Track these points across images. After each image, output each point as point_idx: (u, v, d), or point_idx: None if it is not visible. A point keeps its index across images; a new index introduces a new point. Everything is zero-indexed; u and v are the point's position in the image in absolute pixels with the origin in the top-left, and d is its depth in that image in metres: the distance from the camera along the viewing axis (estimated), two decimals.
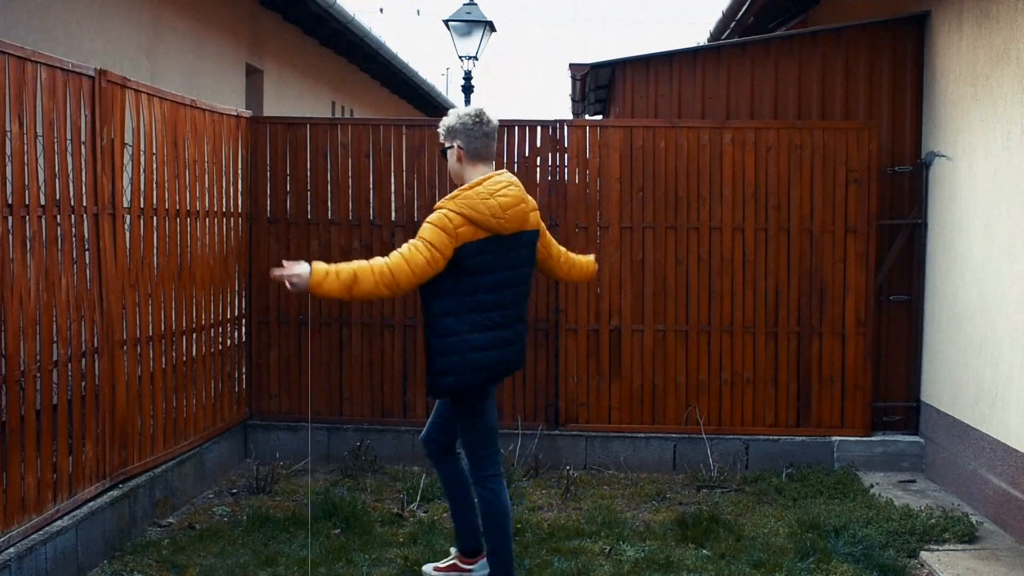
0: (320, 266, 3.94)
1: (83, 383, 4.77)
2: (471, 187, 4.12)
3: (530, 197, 4.35)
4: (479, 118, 4.23)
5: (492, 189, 4.11)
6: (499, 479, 4.37)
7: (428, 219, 4.08)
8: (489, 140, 4.26)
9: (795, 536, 5.23)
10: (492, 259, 4.11)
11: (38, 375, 4.36)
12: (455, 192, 4.14)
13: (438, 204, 4.14)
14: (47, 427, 4.42)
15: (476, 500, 4.44)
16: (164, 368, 5.58)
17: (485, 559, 4.47)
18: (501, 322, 4.18)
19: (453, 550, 4.71)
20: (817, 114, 6.86)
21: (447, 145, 4.30)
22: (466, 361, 4.11)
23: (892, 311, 6.83)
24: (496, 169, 4.31)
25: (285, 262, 4.03)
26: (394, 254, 4.01)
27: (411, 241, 4.05)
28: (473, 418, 4.31)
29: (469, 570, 4.59)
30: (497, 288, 4.15)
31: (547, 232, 4.50)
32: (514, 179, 4.25)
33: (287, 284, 3.96)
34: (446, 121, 4.30)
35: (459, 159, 4.25)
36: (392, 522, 5.48)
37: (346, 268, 3.96)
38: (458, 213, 4.04)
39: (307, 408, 6.85)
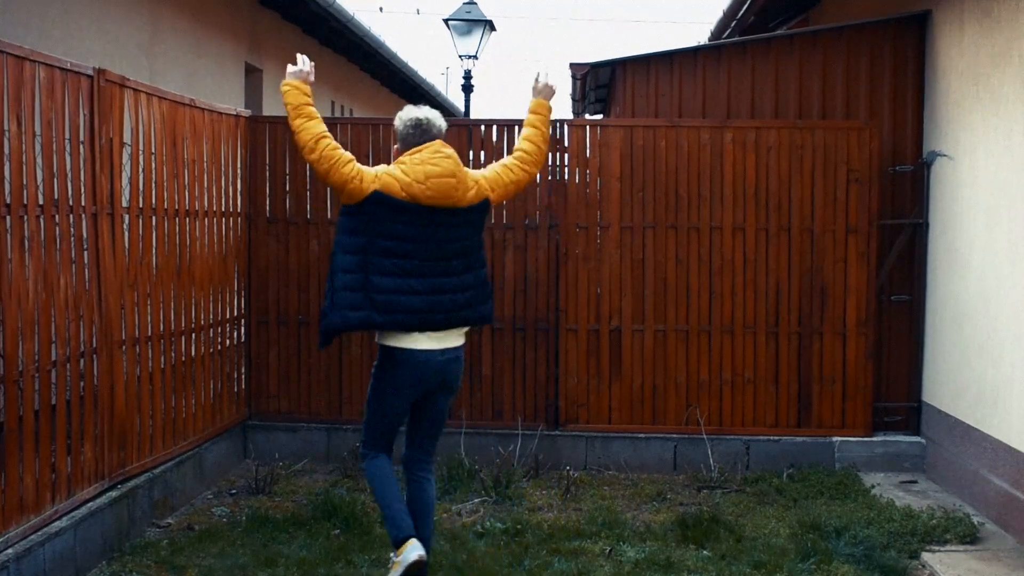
0: (306, 88, 4.52)
1: (82, 383, 4.75)
2: (413, 152, 4.27)
3: (474, 176, 4.38)
4: (417, 127, 4.32)
5: (426, 157, 4.24)
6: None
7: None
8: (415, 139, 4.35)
9: (796, 537, 5.21)
10: (407, 224, 4.19)
11: (37, 375, 4.35)
12: (403, 156, 4.31)
13: None
14: (46, 427, 4.41)
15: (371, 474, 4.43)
16: (163, 368, 5.57)
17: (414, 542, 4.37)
18: (411, 271, 4.21)
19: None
20: (818, 114, 6.84)
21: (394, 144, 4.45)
22: (370, 298, 4.16)
23: (893, 311, 6.82)
24: None
25: (306, 61, 4.66)
26: (341, 149, 4.29)
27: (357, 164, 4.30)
28: (383, 397, 4.32)
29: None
30: (412, 249, 4.21)
31: (499, 174, 4.50)
32: (454, 155, 4.31)
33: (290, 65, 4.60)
34: (395, 121, 4.41)
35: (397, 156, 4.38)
36: None
37: (314, 114, 4.42)
38: (389, 170, 4.26)
39: (306, 408, 6.84)
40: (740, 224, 6.65)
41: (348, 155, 4.27)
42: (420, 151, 4.25)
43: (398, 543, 4.22)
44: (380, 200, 4.17)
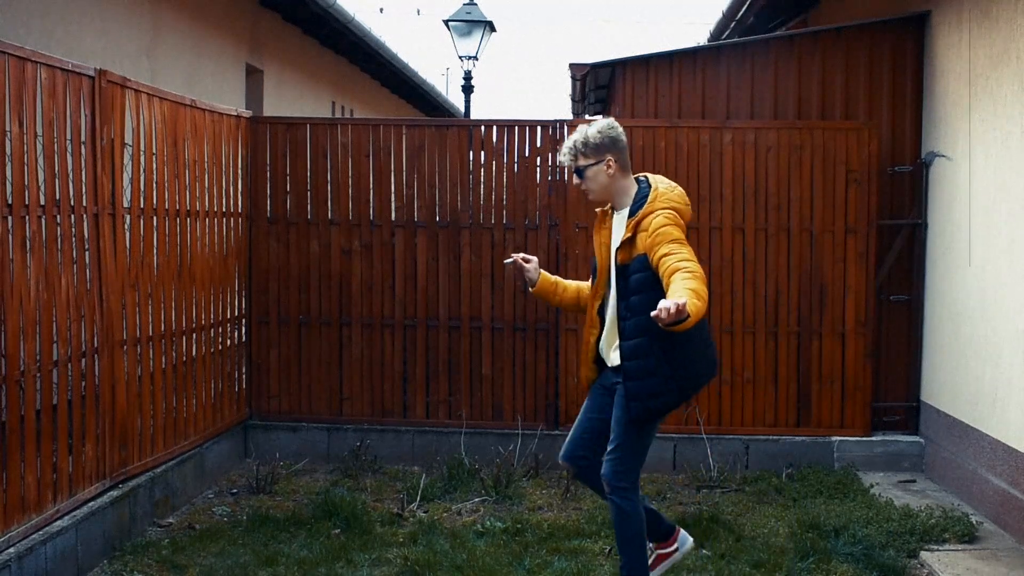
0: (692, 303, 3.51)
1: (83, 383, 4.77)
2: (656, 191, 4.01)
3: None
4: (620, 129, 4.10)
5: (668, 184, 4.07)
6: (638, 492, 4.18)
7: (662, 225, 3.85)
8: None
9: (795, 536, 5.22)
10: None
11: (38, 375, 4.36)
12: (652, 196, 3.98)
13: (648, 209, 3.93)
14: (47, 427, 4.42)
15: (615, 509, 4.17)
16: (164, 368, 5.58)
17: (682, 533, 4.36)
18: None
19: (651, 545, 4.38)
20: (817, 114, 6.85)
21: (591, 162, 4.04)
22: (706, 362, 4.04)
23: (892, 311, 6.83)
24: None
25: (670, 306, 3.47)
26: (690, 264, 3.69)
27: (672, 247, 3.79)
28: (653, 430, 4.13)
29: (674, 550, 4.36)
30: None
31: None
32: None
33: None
34: (588, 139, 4.03)
35: (614, 173, 4.05)
36: (392, 522, 5.48)
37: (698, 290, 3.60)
38: (676, 211, 3.94)
39: (307, 408, 6.86)
40: (739, 224, 6.66)
41: (691, 254, 3.79)
42: (661, 184, 4.05)
43: None
44: None
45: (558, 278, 4.43)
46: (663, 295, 3.67)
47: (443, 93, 19.67)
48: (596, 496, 5.98)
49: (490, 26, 13.52)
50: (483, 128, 6.84)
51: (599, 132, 4.04)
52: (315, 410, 6.86)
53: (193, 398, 5.97)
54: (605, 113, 9.38)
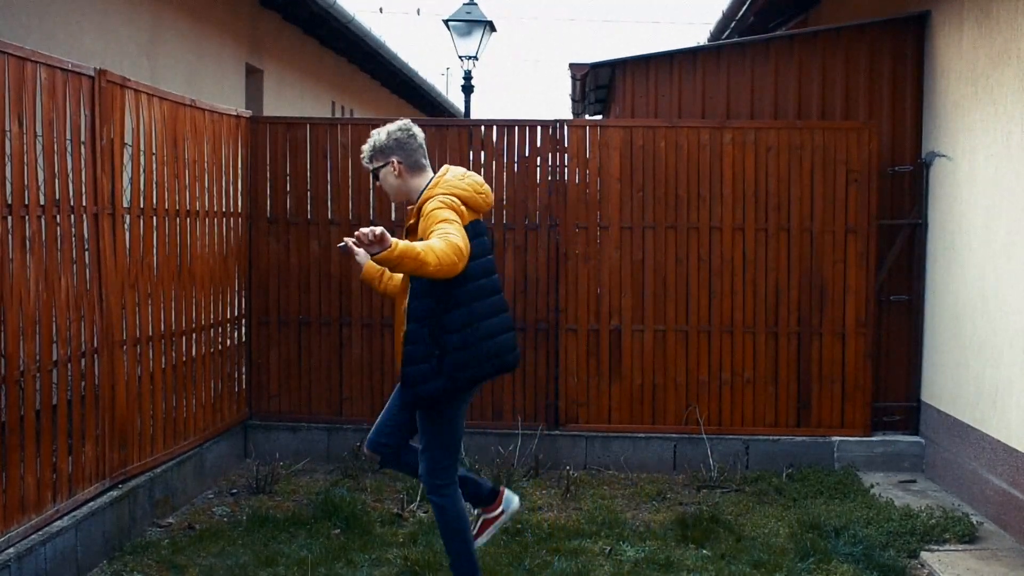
0: (408, 244, 3.59)
1: (83, 383, 4.76)
2: (439, 179, 4.05)
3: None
4: (410, 131, 4.15)
5: (458, 173, 4.10)
6: (455, 487, 4.17)
7: (432, 208, 3.88)
8: (424, 151, 4.19)
9: (795, 536, 5.22)
10: (480, 242, 4.01)
11: (38, 375, 4.36)
12: (432, 184, 4.04)
13: (427, 196, 3.97)
14: (47, 427, 4.42)
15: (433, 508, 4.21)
16: (164, 368, 5.58)
17: (507, 494, 4.37)
18: (502, 307, 4.12)
19: (476, 511, 4.42)
20: (817, 114, 6.85)
21: (379, 164, 4.14)
22: (480, 352, 3.99)
23: (892, 311, 6.83)
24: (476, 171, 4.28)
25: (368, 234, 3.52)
26: (449, 233, 3.72)
27: (440, 225, 3.78)
28: (450, 423, 4.10)
29: (500, 512, 4.39)
30: (490, 272, 4.08)
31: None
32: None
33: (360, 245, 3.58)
34: (375, 144, 4.13)
35: (399, 174, 4.11)
36: (392, 522, 5.47)
37: (435, 247, 3.66)
38: (453, 196, 3.95)
39: (307, 408, 6.86)
40: (739, 224, 6.66)
41: (456, 230, 3.79)
42: (445, 173, 4.05)
43: None
44: (476, 231, 3.96)
45: None
46: (443, 284, 3.82)
47: (443, 93, 19.66)
48: (596, 497, 6.02)
49: (490, 26, 13.51)
50: (483, 128, 6.83)
51: (387, 135, 4.13)
52: (315, 410, 6.86)
53: (193, 398, 5.97)
54: (605, 113, 9.39)
